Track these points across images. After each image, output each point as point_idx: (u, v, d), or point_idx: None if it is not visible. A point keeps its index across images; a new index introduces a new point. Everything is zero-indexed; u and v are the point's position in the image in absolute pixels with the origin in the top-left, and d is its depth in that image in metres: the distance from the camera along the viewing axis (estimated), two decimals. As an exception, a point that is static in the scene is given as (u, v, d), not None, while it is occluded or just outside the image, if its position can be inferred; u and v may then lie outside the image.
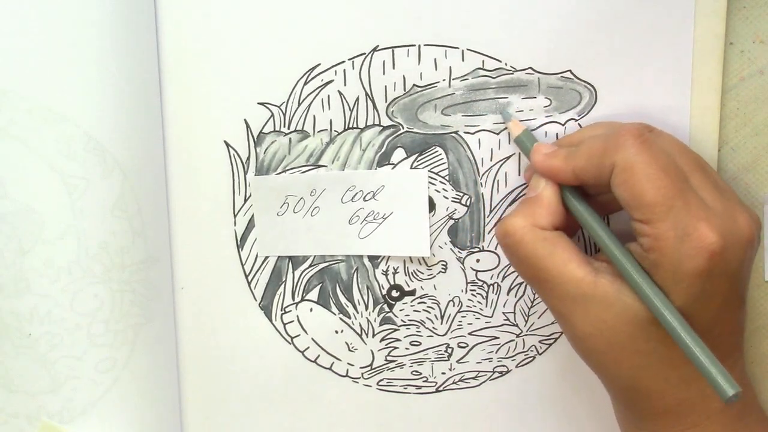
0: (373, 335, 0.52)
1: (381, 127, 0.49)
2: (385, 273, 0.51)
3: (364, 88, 0.49)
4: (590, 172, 0.43)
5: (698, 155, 0.45)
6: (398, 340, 0.52)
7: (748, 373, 0.49)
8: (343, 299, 0.52)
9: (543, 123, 0.49)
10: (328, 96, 0.49)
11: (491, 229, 0.50)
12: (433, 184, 0.50)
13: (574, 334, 0.44)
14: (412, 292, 0.52)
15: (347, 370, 0.53)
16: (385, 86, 0.49)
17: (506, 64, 0.48)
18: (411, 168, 0.49)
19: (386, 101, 0.49)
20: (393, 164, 0.50)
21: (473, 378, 0.53)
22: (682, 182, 0.41)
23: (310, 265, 0.51)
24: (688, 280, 0.40)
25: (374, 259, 0.51)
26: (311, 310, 0.52)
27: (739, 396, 0.38)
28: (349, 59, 0.48)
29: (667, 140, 0.44)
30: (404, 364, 0.53)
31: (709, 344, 0.41)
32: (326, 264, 0.51)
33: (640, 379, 0.43)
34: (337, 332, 0.52)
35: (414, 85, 0.49)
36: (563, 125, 0.49)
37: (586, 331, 0.43)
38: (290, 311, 0.52)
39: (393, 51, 0.48)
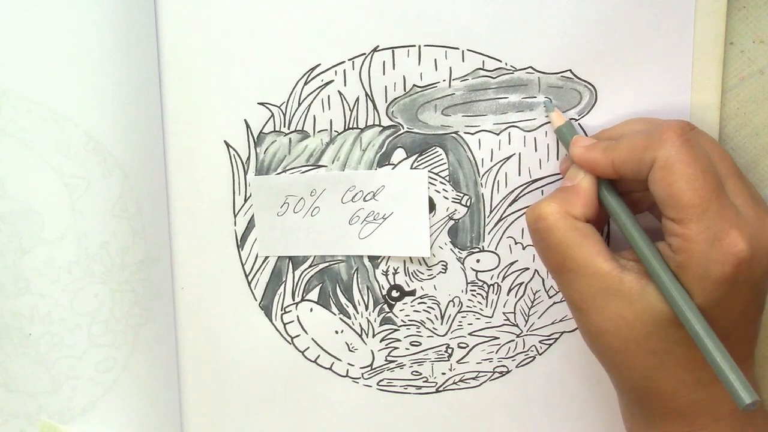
0: (373, 335, 0.52)
1: (381, 128, 0.49)
2: (385, 273, 0.51)
3: (364, 89, 0.49)
4: (629, 166, 0.43)
5: (733, 161, 0.45)
6: (398, 340, 0.52)
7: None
8: (343, 299, 0.52)
9: (543, 123, 0.49)
10: (328, 96, 0.49)
11: (491, 230, 0.50)
12: (433, 184, 0.50)
13: (591, 329, 0.44)
14: (412, 293, 0.52)
15: (347, 371, 0.53)
16: (385, 86, 0.49)
17: (506, 64, 0.48)
18: (411, 168, 0.49)
19: (386, 101, 0.49)
20: (393, 164, 0.50)
21: (473, 378, 0.53)
22: (718, 186, 0.41)
23: (311, 265, 0.51)
24: (713, 284, 0.40)
25: (374, 260, 0.51)
26: (311, 310, 0.52)
27: (757, 404, 0.38)
28: (349, 59, 0.48)
29: (708, 141, 0.44)
30: (404, 365, 0.53)
31: (728, 348, 0.41)
32: (326, 264, 0.51)
33: (653, 379, 0.43)
34: (337, 332, 0.52)
35: (414, 85, 0.49)
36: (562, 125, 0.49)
37: (604, 327, 0.43)
38: (290, 311, 0.52)
39: (393, 51, 0.48)
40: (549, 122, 0.49)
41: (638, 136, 0.43)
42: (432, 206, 0.50)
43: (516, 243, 0.50)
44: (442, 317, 0.52)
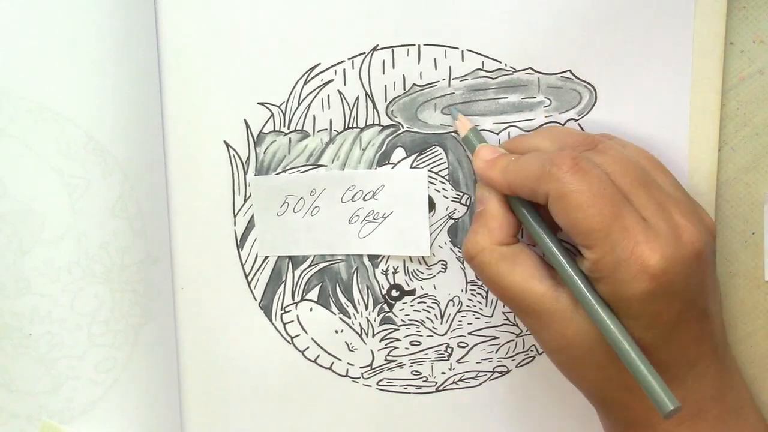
0: (373, 335, 0.52)
1: (381, 127, 0.49)
2: (385, 273, 0.51)
3: (363, 88, 0.49)
4: (526, 192, 0.43)
5: (649, 165, 0.44)
6: (398, 339, 0.52)
7: (743, 375, 0.49)
8: (343, 299, 0.52)
9: (543, 123, 0.49)
10: (328, 96, 0.49)
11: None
12: (433, 183, 0.50)
13: (544, 348, 0.45)
14: (412, 292, 0.52)
15: (347, 370, 0.53)
16: (385, 86, 0.49)
17: (506, 65, 0.48)
18: (411, 167, 0.49)
19: (386, 101, 0.49)
20: (393, 164, 0.50)
21: (473, 378, 0.53)
22: (619, 206, 0.40)
23: (310, 265, 0.51)
24: (630, 302, 0.40)
25: (374, 259, 0.51)
26: (311, 309, 0.52)
27: (679, 411, 0.39)
28: (348, 59, 0.48)
29: (611, 156, 0.43)
30: (404, 364, 0.53)
31: (666, 358, 0.41)
32: (326, 264, 0.51)
33: (606, 391, 0.44)
34: (337, 332, 0.52)
35: (414, 84, 0.49)
36: (563, 125, 0.48)
37: (552, 346, 0.43)
38: (290, 311, 0.52)
39: (393, 50, 0.48)
40: (549, 122, 0.49)
41: (532, 164, 0.43)
42: (432, 205, 0.50)
43: (516, 243, 0.50)
44: (442, 317, 0.52)
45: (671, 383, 0.40)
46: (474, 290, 0.51)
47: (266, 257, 0.52)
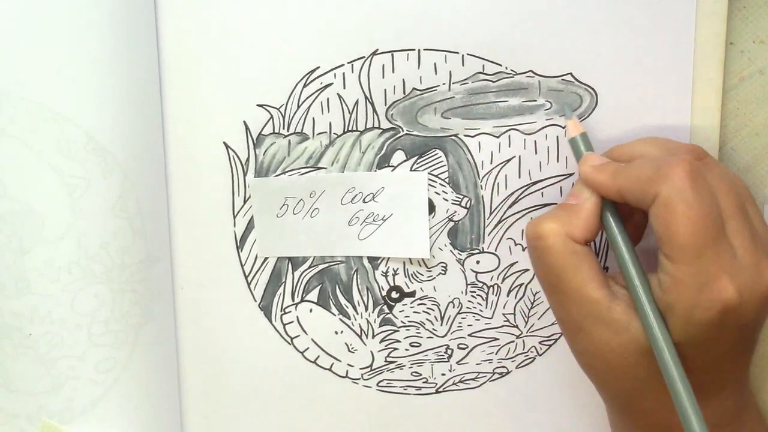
0: (373, 336, 0.52)
1: (380, 130, 0.49)
2: (385, 274, 0.51)
3: (363, 92, 0.49)
4: (634, 195, 0.42)
5: (744, 193, 0.44)
6: (398, 341, 0.52)
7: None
8: (342, 300, 0.52)
9: (543, 126, 0.48)
10: (328, 99, 0.49)
11: (491, 231, 0.50)
12: (433, 186, 0.50)
13: (577, 348, 0.44)
14: (412, 294, 0.52)
15: (347, 371, 0.53)
16: (385, 90, 0.49)
17: (506, 68, 0.48)
18: (411, 170, 0.49)
19: (386, 104, 0.49)
20: (393, 166, 0.49)
21: (473, 379, 0.53)
22: (718, 229, 0.40)
23: (310, 266, 0.52)
24: (696, 327, 0.40)
25: (374, 261, 0.51)
26: (311, 310, 0.52)
27: None
28: (348, 63, 0.48)
29: (718, 175, 0.42)
30: (404, 365, 0.53)
31: (704, 380, 0.41)
32: (326, 265, 0.51)
33: (634, 399, 0.43)
34: (336, 333, 0.53)
35: (414, 88, 0.48)
36: (564, 128, 0.48)
37: (590, 350, 0.43)
38: (290, 312, 0.52)
39: (392, 55, 0.48)
40: (549, 125, 0.48)
41: (647, 166, 0.42)
42: (432, 208, 0.50)
43: (516, 244, 0.50)
44: (442, 318, 0.52)
45: (698, 400, 0.40)
46: (474, 292, 0.51)
47: (266, 258, 0.52)
